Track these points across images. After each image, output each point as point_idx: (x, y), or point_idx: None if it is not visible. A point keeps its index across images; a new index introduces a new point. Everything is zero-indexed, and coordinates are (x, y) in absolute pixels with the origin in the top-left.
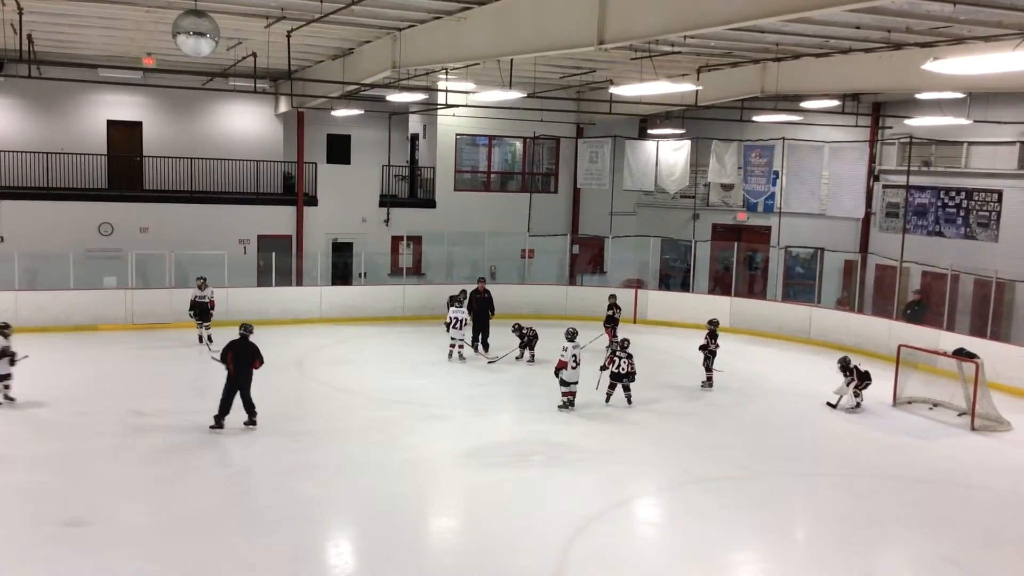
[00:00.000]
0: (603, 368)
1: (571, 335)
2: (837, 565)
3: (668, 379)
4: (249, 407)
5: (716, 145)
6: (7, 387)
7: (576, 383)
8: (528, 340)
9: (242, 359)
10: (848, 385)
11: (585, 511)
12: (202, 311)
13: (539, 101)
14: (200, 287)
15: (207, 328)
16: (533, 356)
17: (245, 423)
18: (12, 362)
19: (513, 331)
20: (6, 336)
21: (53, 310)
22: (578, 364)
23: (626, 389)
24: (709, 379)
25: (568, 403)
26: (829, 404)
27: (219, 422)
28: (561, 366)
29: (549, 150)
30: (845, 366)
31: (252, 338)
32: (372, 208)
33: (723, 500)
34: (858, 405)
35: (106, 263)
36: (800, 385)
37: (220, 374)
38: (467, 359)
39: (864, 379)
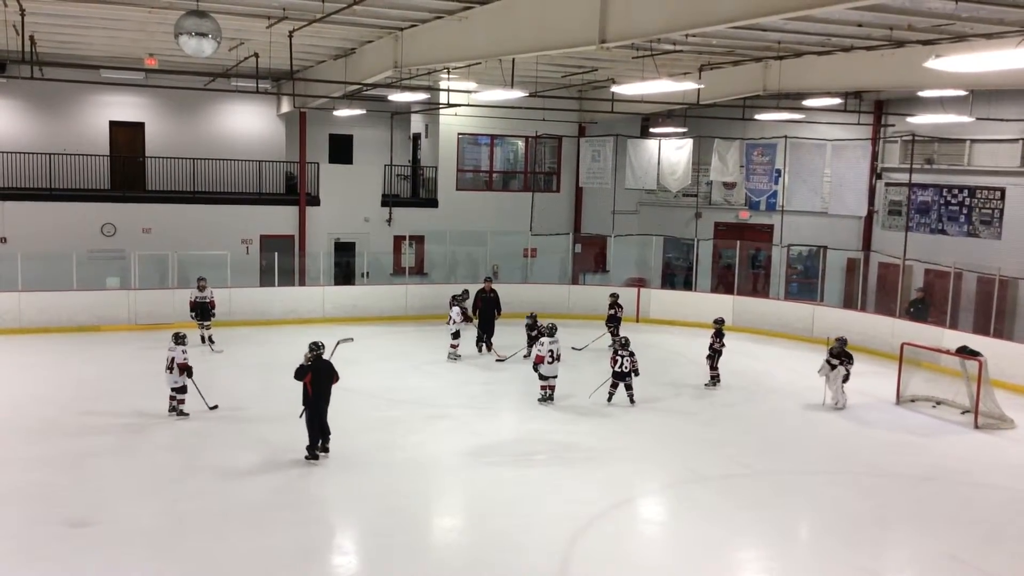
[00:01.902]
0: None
1: (550, 330)
2: (841, 563)
3: (671, 378)
4: (325, 431)
5: (718, 143)
6: (181, 401)
7: (555, 377)
8: (537, 336)
9: (320, 380)
10: (835, 372)
11: (588, 510)
12: (203, 312)
13: (541, 100)
14: (200, 288)
15: (208, 328)
16: None
17: (319, 450)
18: (190, 373)
19: (527, 322)
20: (183, 345)
21: (56, 311)
22: (555, 359)
23: (628, 388)
24: (713, 378)
25: (547, 397)
26: (831, 404)
27: (313, 452)
28: (539, 360)
29: (551, 149)
30: (842, 350)
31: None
32: (374, 208)
33: (727, 498)
34: (842, 405)
35: (109, 264)
36: (803, 383)
37: (221, 372)
38: (462, 357)
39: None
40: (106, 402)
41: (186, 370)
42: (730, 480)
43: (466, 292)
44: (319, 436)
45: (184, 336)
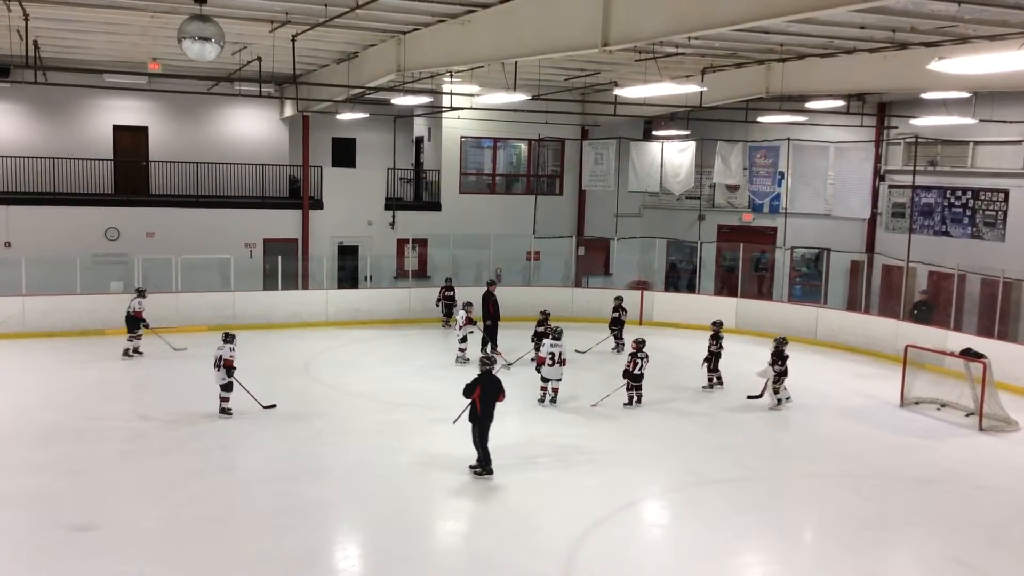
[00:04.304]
0: (627, 375)
1: (555, 333)
2: (844, 566)
3: (674, 380)
4: (482, 451)
5: (721, 146)
6: (226, 399)
7: (558, 380)
8: (542, 335)
9: (488, 396)
10: (772, 375)
11: (592, 513)
12: (136, 322)
13: (544, 103)
14: (143, 296)
15: (138, 339)
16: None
17: (473, 467)
18: (230, 371)
19: (540, 320)
20: (230, 343)
21: (60, 315)
22: (556, 362)
23: (638, 389)
24: (710, 380)
25: (551, 399)
26: (751, 397)
27: (487, 468)
28: (540, 362)
29: (554, 152)
30: (779, 350)
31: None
32: (378, 211)
33: (730, 501)
34: (779, 402)
35: (112, 268)
36: (806, 386)
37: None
38: (471, 360)
39: (783, 372)
40: (109, 406)
41: (229, 368)
42: (733, 483)
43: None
44: (487, 451)
45: (233, 336)
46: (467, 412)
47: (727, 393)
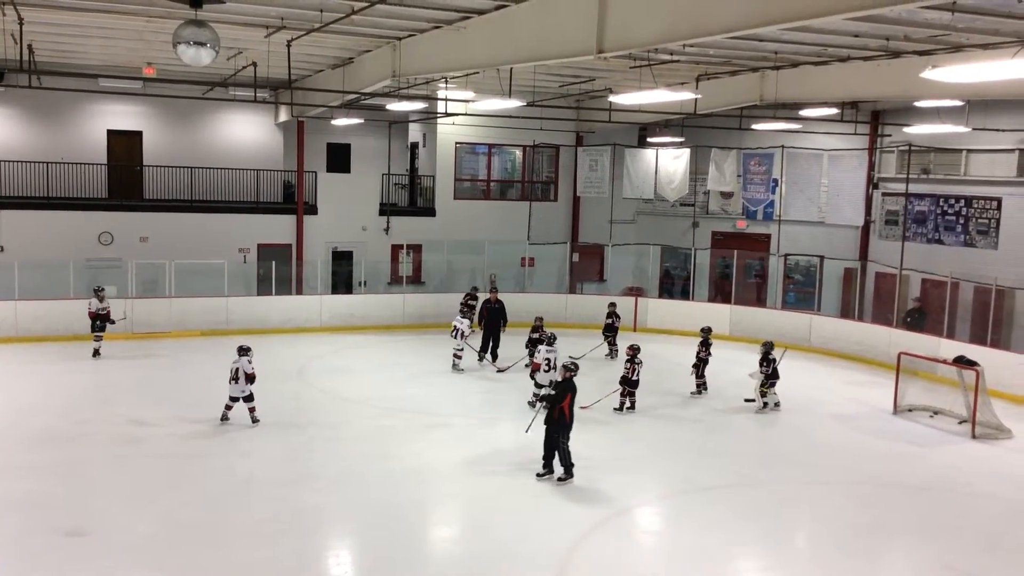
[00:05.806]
0: (624, 380)
1: (549, 340)
2: (839, 573)
3: (668, 387)
4: (568, 457)
5: (715, 153)
6: (253, 408)
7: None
8: (537, 341)
9: (574, 402)
10: (760, 377)
11: (586, 519)
12: (102, 322)
13: (538, 109)
14: (100, 298)
15: (100, 340)
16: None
17: (546, 475)
18: (252, 380)
19: (534, 328)
20: (247, 356)
21: (53, 319)
22: (552, 368)
23: (632, 395)
24: (699, 386)
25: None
26: (748, 400)
27: (569, 472)
28: (535, 368)
29: (549, 158)
30: (766, 354)
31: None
32: (372, 217)
33: (724, 508)
34: (765, 406)
35: (106, 272)
36: (800, 393)
37: (217, 381)
38: (465, 370)
39: (772, 376)
40: (102, 411)
41: (251, 379)
42: (728, 490)
43: (475, 292)
44: (571, 456)
45: (248, 348)
46: (541, 418)
47: (720, 399)
